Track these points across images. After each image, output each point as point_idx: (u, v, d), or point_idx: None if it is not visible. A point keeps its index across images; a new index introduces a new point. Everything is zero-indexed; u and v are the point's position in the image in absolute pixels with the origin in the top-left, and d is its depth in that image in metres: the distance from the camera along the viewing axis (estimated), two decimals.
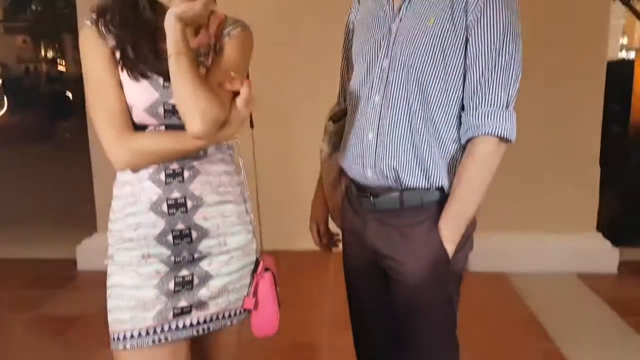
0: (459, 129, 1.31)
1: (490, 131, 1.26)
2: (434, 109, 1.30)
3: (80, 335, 2.73)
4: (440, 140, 1.31)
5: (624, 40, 20.90)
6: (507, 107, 1.27)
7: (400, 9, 1.33)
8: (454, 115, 1.30)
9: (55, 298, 3.18)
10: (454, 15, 1.26)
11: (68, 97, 10.82)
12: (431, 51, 1.27)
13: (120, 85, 1.24)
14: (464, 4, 1.25)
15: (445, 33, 1.26)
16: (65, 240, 3.74)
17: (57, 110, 9.97)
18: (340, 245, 1.59)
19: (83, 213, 3.73)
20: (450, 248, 1.31)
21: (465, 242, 1.36)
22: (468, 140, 1.29)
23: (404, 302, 1.37)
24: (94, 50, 1.25)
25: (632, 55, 12.69)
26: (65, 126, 9.03)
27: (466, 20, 1.25)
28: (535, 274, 3.36)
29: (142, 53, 1.23)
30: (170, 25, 1.18)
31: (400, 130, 1.31)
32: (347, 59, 1.52)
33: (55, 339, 2.70)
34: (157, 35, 1.24)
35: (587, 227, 3.55)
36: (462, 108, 1.30)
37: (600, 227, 3.58)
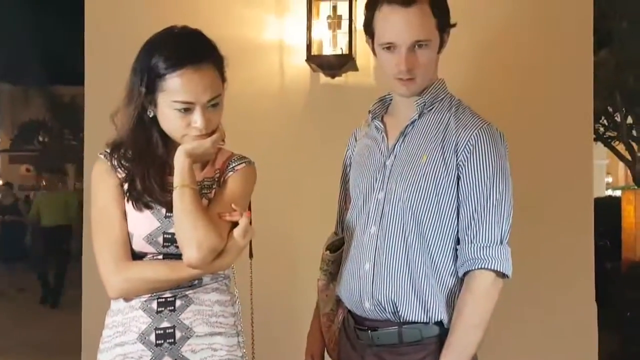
0: (455, 262, 1.33)
1: (486, 265, 1.28)
2: (430, 240, 1.33)
3: None
4: (437, 273, 1.33)
5: (609, 179, 21.71)
6: (501, 242, 1.31)
7: (394, 147, 1.41)
8: (450, 247, 1.34)
9: None
10: (445, 155, 1.34)
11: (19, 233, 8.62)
12: (424, 187, 1.34)
13: (125, 216, 1.29)
14: (453, 144, 1.34)
15: (437, 171, 1.34)
16: None
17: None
18: None
19: (67, 344, 3.59)
20: None
21: None
22: (465, 274, 1.31)
23: None
24: (104, 181, 1.32)
25: (618, 193, 13.09)
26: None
27: (457, 160, 1.33)
28: None
29: (149, 185, 1.30)
30: (180, 160, 1.26)
31: (397, 261, 1.33)
32: (345, 190, 1.59)
33: None
34: (166, 168, 1.32)
35: None
36: (458, 241, 1.34)
37: None
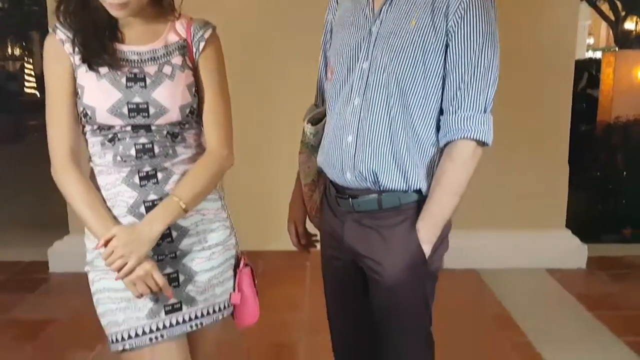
0: (437, 133, 1.33)
1: (469, 135, 1.28)
2: (414, 112, 1.31)
3: (52, 339, 2.68)
4: (419, 144, 1.33)
5: (591, 41, 21.44)
6: (484, 111, 1.29)
7: (380, 11, 1.34)
8: (433, 118, 1.32)
9: (26, 301, 3.12)
10: (435, 20, 1.27)
11: None
12: (411, 55, 1.28)
13: (74, 104, 1.27)
14: (444, 9, 1.26)
15: (426, 36, 1.28)
16: (36, 243, 3.67)
17: None
18: (318, 245, 1.60)
19: (54, 215, 3.66)
20: (427, 249, 1.33)
21: (441, 243, 1.38)
22: (446, 144, 1.31)
23: (382, 301, 1.40)
24: (52, 63, 1.29)
25: (598, 55, 12.99)
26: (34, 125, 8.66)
27: (446, 25, 1.27)
28: (507, 270, 3.42)
29: (90, 44, 1.26)
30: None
31: (379, 133, 1.32)
32: (325, 58, 1.53)
33: (26, 343, 2.65)
34: (105, 26, 1.28)
35: (556, 224, 3.63)
36: (441, 112, 1.32)
37: (569, 224, 3.67)
